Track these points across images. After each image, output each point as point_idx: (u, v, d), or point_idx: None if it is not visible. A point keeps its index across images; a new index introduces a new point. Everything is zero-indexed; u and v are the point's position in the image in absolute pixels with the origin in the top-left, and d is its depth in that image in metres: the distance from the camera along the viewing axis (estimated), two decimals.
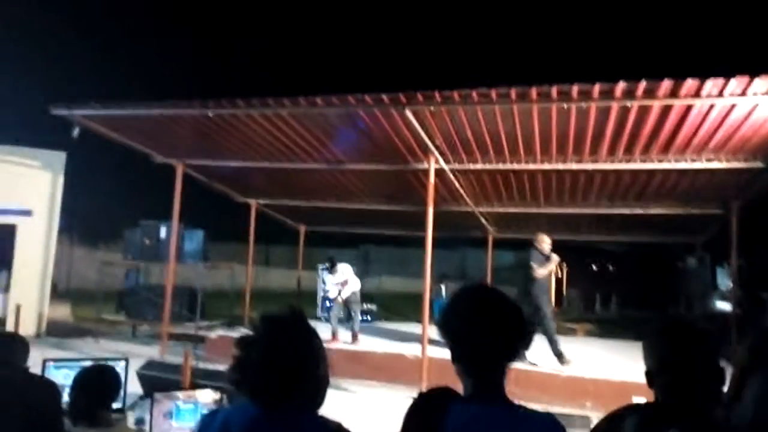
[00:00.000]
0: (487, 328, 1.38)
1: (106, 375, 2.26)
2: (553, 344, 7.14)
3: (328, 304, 11.69)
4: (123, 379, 3.20)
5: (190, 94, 6.70)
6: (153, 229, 9.62)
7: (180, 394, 2.90)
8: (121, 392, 2.83)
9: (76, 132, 7.22)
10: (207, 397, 2.93)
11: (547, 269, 7.45)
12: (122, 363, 3.28)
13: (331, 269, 8.99)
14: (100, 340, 9.46)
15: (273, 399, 1.34)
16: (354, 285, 8.98)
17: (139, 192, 19.08)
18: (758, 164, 6.71)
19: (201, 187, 10.04)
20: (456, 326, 1.42)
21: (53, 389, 2.00)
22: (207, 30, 32.86)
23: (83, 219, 18.57)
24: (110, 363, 3.06)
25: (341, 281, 8.93)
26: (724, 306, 14.66)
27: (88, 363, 2.93)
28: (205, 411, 2.98)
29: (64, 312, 12.43)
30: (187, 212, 9.24)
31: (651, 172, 7.51)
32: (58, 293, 12.48)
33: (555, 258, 7.51)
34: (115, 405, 2.56)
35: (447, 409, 1.34)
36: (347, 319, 9.07)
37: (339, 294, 8.91)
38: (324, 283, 11.97)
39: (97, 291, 10.34)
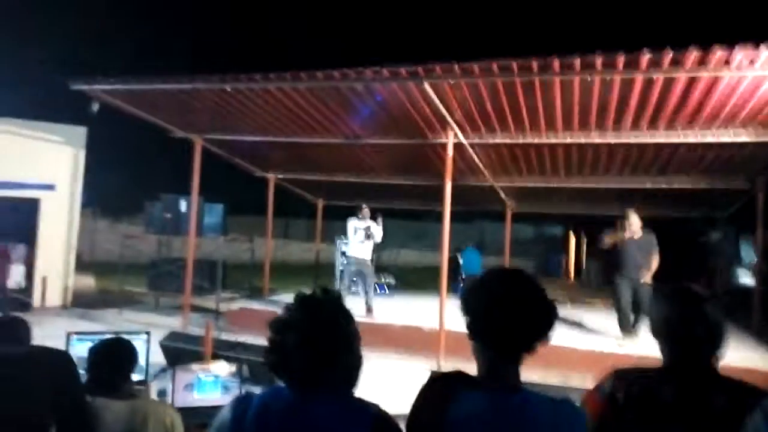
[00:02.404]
0: (514, 305, 1.35)
1: (122, 347, 2.29)
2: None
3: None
4: (146, 351, 3.27)
5: (209, 69, 6.67)
6: (173, 202, 9.70)
7: (196, 367, 2.96)
8: (140, 364, 2.87)
9: (95, 107, 7.26)
10: (223, 369, 2.98)
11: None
12: (144, 336, 3.34)
13: (360, 212, 8.77)
14: (124, 311, 9.66)
15: (310, 382, 1.33)
16: (378, 236, 8.77)
17: (159, 166, 19.27)
18: None
19: (220, 161, 10.09)
20: (475, 302, 1.39)
21: (70, 361, 2.04)
22: (225, 4, 32.59)
23: (105, 193, 18.81)
24: (132, 335, 3.12)
25: (367, 226, 8.66)
26: (748, 280, 14.45)
27: (110, 336, 3.00)
28: (225, 384, 3.04)
29: (88, 283, 12.74)
30: (207, 186, 9.31)
31: (675, 146, 7.33)
32: (82, 265, 12.74)
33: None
34: (138, 377, 2.61)
35: (454, 396, 1.32)
36: (364, 292, 8.98)
37: (363, 242, 8.60)
38: (344, 243, 12.00)
39: (120, 263, 10.51)
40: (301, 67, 6.23)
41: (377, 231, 8.78)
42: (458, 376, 1.41)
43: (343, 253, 12.01)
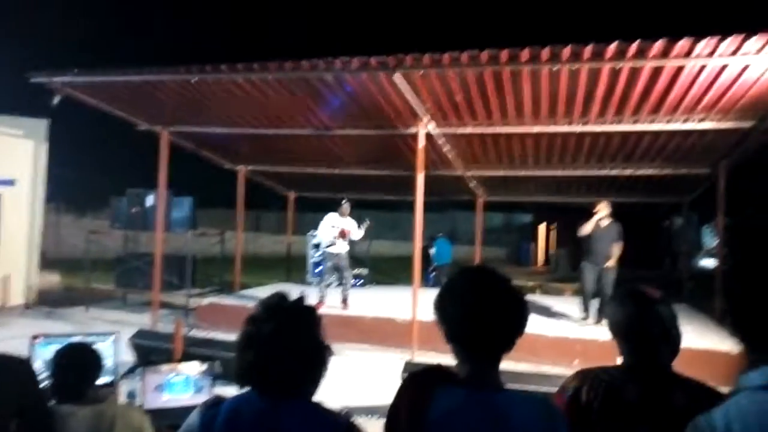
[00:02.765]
0: (487, 313, 1.34)
1: (87, 352, 2.22)
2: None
3: (317, 269, 11.74)
4: (114, 352, 3.20)
5: (173, 60, 6.50)
6: (140, 197, 9.51)
7: (166, 367, 2.91)
8: (108, 366, 2.81)
9: (56, 99, 7.04)
10: (193, 369, 2.93)
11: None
12: (112, 337, 3.26)
13: (342, 209, 8.66)
14: (91, 309, 9.46)
15: (280, 391, 1.31)
16: (355, 235, 8.72)
17: (125, 159, 18.86)
18: (747, 124, 6.71)
19: (188, 153, 9.91)
20: (452, 310, 1.38)
21: (29, 369, 1.97)
22: None
23: (69, 187, 18.34)
24: (99, 337, 3.05)
25: (343, 228, 8.59)
26: (709, 263, 14.92)
27: (76, 338, 2.93)
28: (197, 383, 3.00)
29: (53, 281, 12.40)
30: (175, 179, 9.14)
31: (641, 134, 7.48)
32: (46, 262, 12.41)
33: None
34: (106, 379, 2.55)
35: (434, 394, 1.32)
36: (338, 284, 8.98)
37: (337, 239, 8.53)
38: (315, 241, 11.92)
39: (86, 260, 10.26)
40: (270, 57, 6.14)
41: (355, 231, 8.74)
42: (437, 373, 1.40)
43: (315, 246, 11.96)
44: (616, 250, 7.72)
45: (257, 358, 1.30)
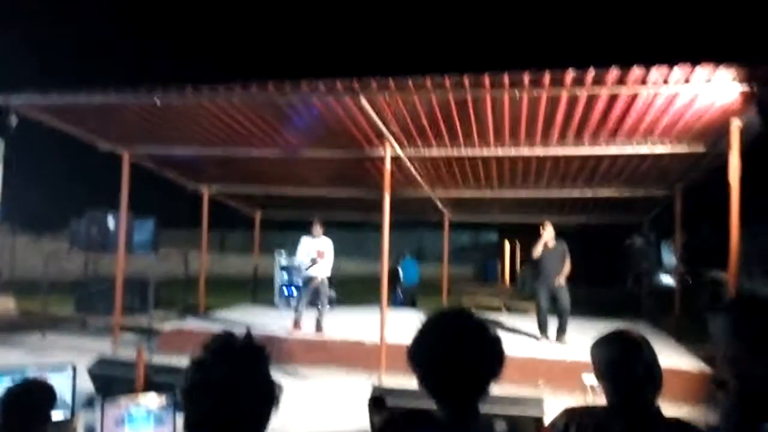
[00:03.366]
0: (457, 362, 1.32)
1: (37, 390, 2.13)
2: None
3: (285, 292, 11.62)
4: (71, 386, 3.10)
5: (136, 80, 6.43)
6: (100, 218, 9.26)
7: (126, 400, 2.82)
8: (65, 400, 2.72)
9: (14, 120, 6.85)
10: (155, 400, 2.86)
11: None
12: (69, 371, 3.16)
13: (313, 230, 8.54)
14: (48, 335, 9.13)
15: None
16: (329, 260, 8.60)
17: (85, 180, 18.39)
18: (700, 149, 6.98)
19: (151, 173, 9.74)
20: (424, 358, 1.36)
21: None
22: (154, 14, 31.61)
23: (26, 208, 17.76)
24: (55, 371, 2.95)
25: (318, 250, 8.48)
26: (668, 281, 15.34)
27: (31, 370, 2.83)
28: (158, 416, 2.93)
29: (8, 305, 11.93)
30: (137, 200, 8.95)
31: (600, 157, 7.72)
32: (0, 285, 11.95)
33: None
34: (62, 415, 2.47)
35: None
36: (314, 308, 8.52)
37: (312, 264, 8.42)
38: (284, 264, 11.77)
39: (43, 282, 9.90)
40: (236, 78, 6.12)
41: (329, 250, 8.65)
42: (416, 416, 1.39)
43: (283, 268, 11.85)
44: (566, 267, 8.09)
45: (211, 406, 1.23)
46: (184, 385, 1.28)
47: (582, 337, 7.99)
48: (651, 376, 1.62)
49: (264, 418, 1.31)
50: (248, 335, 1.32)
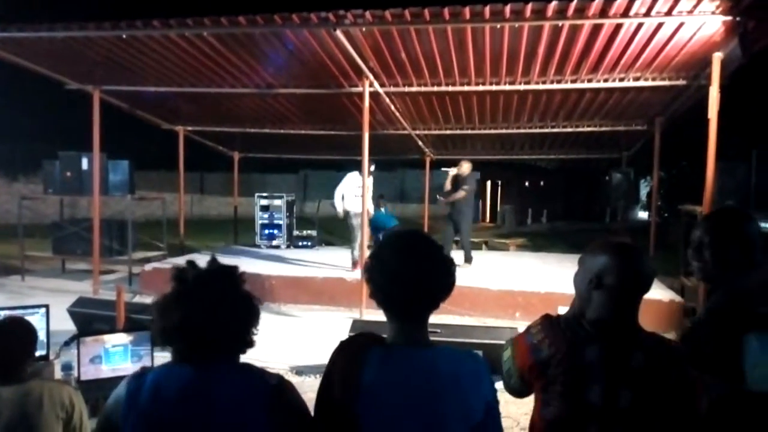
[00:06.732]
0: (410, 280, 1.37)
1: (15, 328, 2.11)
2: (467, 251, 8.89)
3: (267, 231, 11.62)
4: (45, 326, 3.09)
5: (101, 14, 6.11)
6: (74, 160, 9.01)
7: (103, 337, 2.83)
8: (41, 339, 2.71)
9: None
10: (132, 337, 2.87)
11: (461, 193, 8.82)
12: (42, 310, 3.14)
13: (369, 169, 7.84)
14: (27, 278, 9.09)
15: (208, 353, 1.31)
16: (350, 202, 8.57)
17: (57, 121, 17.83)
18: (681, 82, 6.94)
19: (124, 114, 9.46)
20: (380, 276, 1.41)
21: None
22: None
23: None
24: (27, 311, 2.93)
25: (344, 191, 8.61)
26: (645, 216, 15.65)
27: (5, 312, 2.80)
28: (136, 351, 2.95)
29: None
30: (111, 141, 8.73)
31: (581, 91, 7.63)
32: None
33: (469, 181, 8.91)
34: (37, 353, 2.46)
35: (366, 357, 1.35)
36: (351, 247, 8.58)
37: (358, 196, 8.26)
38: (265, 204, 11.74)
39: (19, 225, 9.76)
40: (208, 11, 5.84)
41: (349, 200, 8.67)
42: (368, 338, 1.44)
43: (263, 207, 11.75)
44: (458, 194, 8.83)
45: (186, 316, 1.29)
46: (159, 298, 1.33)
47: (561, 270, 8.19)
48: (646, 287, 1.57)
49: (240, 334, 1.36)
50: (213, 259, 1.39)
